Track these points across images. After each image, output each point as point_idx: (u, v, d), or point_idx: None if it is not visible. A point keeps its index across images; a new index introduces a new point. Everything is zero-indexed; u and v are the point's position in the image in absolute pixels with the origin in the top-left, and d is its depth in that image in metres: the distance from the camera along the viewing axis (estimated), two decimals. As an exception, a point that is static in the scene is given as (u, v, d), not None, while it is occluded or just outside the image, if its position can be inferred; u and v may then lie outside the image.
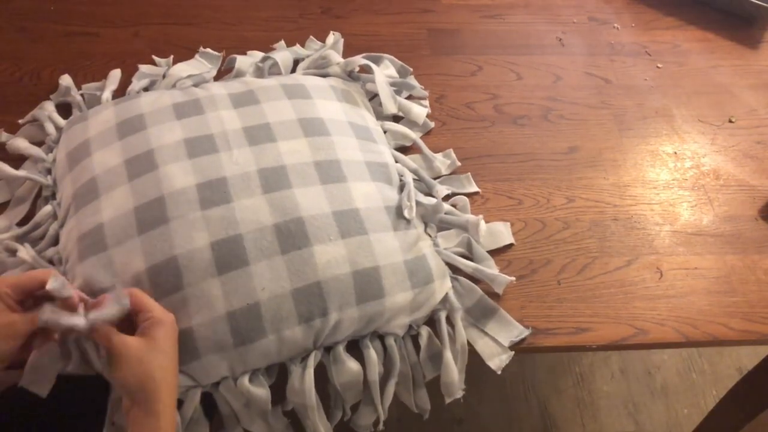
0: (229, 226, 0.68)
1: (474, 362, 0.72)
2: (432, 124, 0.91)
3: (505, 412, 1.36)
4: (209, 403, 0.69)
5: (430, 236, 0.78)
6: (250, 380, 0.67)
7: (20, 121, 0.85)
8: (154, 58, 0.94)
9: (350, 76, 0.91)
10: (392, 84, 0.91)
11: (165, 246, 0.67)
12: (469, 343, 0.72)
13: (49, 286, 0.56)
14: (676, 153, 0.92)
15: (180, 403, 0.67)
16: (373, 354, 0.70)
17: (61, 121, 0.84)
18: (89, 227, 0.70)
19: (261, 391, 0.67)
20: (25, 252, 0.70)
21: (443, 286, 0.74)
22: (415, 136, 0.87)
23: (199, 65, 0.93)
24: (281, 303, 0.67)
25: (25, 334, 0.56)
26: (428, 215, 0.79)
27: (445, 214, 0.79)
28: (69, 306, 0.57)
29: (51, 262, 0.72)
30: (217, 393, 0.68)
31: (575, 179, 0.88)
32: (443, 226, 0.80)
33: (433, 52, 1.02)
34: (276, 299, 0.67)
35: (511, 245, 0.80)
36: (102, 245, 0.69)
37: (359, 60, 0.91)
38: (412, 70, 0.95)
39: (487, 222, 0.80)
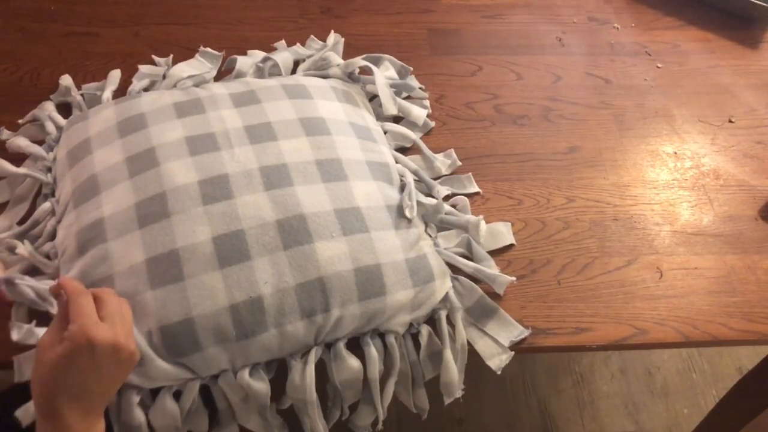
0: (231, 222, 0.69)
1: (474, 362, 0.72)
2: (432, 124, 0.91)
3: (505, 412, 1.36)
4: (209, 396, 0.69)
5: (430, 236, 0.78)
6: (250, 374, 0.67)
7: (20, 121, 0.86)
8: (154, 58, 0.94)
9: (350, 77, 0.92)
10: (392, 85, 0.91)
11: (166, 239, 0.68)
12: (469, 343, 0.72)
13: None
14: (676, 153, 0.92)
15: (178, 395, 0.67)
16: (373, 351, 0.70)
17: (61, 121, 0.84)
18: (89, 221, 0.71)
19: (261, 385, 0.67)
20: (23, 249, 0.71)
21: (444, 285, 0.74)
22: (415, 137, 0.87)
23: (200, 65, 0.93)
24: (284, 297, 0.67)
25: None
26: (429, 215, 0.79)
27: (446, 214, 0.79)
28: None
29: (47, 256, 0.73)
30: (215, 386, 0.68)
31: (575, 179, 0.88)
32: (443, 226, 0.80)
33: (433, 52, 1.02)
34: (279, 293, 0.67)
35: (511, 245, 0.80)
36: (101, 238, 0.69)
37: (359, 61, 0.91)
38: (412, 69, 0.95)
39: (487, 222, 0.80)
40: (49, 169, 0.80)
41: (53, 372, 0.54)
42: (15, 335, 0.61)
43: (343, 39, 0.99)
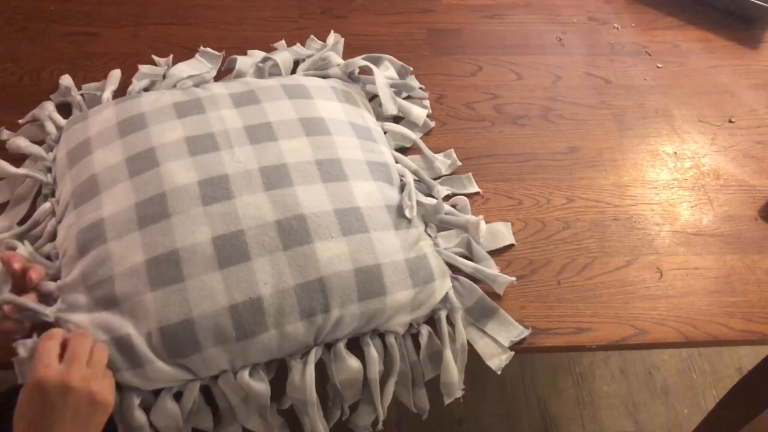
0: (230, 222, 0.69)
1: (474, 362, 0.72)
2: (432, 124, 0.91)
3: (505, 412, 1.36)
4: (211, 394, 0.69)
5: (430, 236, 0.78)
6: (250, 374, 0.67)
7: (20, 121, 0.86)
8: (154, 58, 0.94)
9: (350, 77, 0.91)
10: (392, 85, 0.91)
11: (166, 240, 0.68)
12: (469, 343, 0.72)
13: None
14: (676, 153, 0.92)
15: (179, 396, 0.67)
16: (373, 352, 0.70)
17: (61, 121, 0.84)
18: (89, 222, 0.71)
19: (261, 386, 0.67)
20: (23, 249, 0.71)
21: (444, 285, 0.74)
22: (415, 136, 0.87)
23: (200, 65, 0.93)
24: (284, 298, 0.67)
25: None
26: (429, 215, 0.79)
27: (446, 214, 0.79)
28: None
29: (48, 257, 0.73)
30: (215, 387, 0.68)
31: (575, 179, 0.88)
32: (443, 226, 0.80)
33: (433, 52, 1.02)
34: (278, 294, 0.67)
35: (511, 245, 0.80)
36: (102, 239, 0.69)
37: (359, 61, 0.91)
38: (412, 69, 0.95)
39: (487, 222, 0.80)
40: (49, 170, 0.80)
41: (21, 421, 0.56)
42: (22, 352, 0.61)
43: (343, 39, 0.99)
